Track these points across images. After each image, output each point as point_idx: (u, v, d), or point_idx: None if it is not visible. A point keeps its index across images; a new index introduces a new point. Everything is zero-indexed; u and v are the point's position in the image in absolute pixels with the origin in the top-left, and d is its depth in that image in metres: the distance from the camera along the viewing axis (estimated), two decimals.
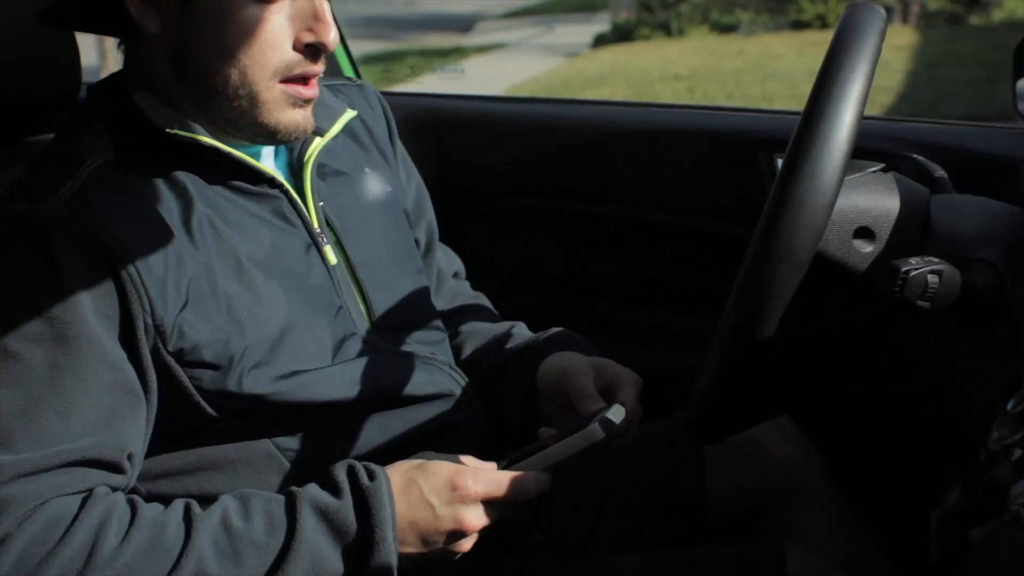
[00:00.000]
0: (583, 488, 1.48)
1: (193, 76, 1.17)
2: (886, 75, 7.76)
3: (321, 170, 1.31)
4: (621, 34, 11.42)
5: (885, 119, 1.80)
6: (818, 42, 9.87)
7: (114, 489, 1.11)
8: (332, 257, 1.27)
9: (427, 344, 1.35)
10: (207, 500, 1.14)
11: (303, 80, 1.19)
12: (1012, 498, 0.79)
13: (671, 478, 1.46)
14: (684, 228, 1.88)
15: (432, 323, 1.39)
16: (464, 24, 13.00)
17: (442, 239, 1.58)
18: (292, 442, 1.22)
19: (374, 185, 1.38)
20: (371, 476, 1.13)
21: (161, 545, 1.06)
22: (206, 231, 1.17)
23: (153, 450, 1.18)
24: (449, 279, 1.59)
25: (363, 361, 1.25)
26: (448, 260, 1.60)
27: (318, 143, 1.29)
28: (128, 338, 1.11)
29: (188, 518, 1.09)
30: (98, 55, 9.13)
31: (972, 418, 0.96)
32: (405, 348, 1.31)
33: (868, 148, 1.23)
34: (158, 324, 1.11)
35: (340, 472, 1.14)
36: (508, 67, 9.94)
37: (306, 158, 1.28)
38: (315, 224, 1.27)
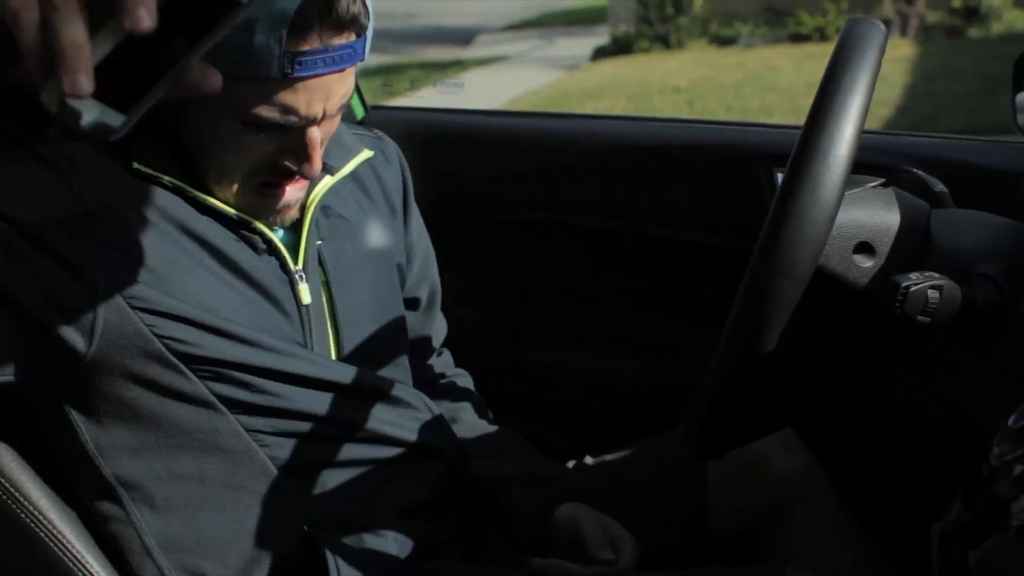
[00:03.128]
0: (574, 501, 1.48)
1: (182, 152, 1.20)
2: (884, 88, 7.78)
3: (325, 210, 1.32)
4: (620, 47, 11.44)
5: (884, 133, 1.80)
6: (817, 55, 9.90)
7: None
8: (306, 297, 1.28)
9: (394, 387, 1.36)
10: (173, 480, 1.15)
11: (275, 186, 1.22)
12: (1013, 514, 0.79)
13: (673, 493, 1.46)
14: (684, 242, 1.88)
15: (400, 374, 1.41)
16: (464, 37, 13.03)
17: (441, 253, 1.59)
18: (258, 423, 1.23)
19: (373, 234, 1.40)
20: None
21: None
22: (178, 235, 1.19)
23: (118, 425, 1.19)
24: (440, 349, 1.61)
25: (326, 394, 1.26)
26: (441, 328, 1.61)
27: (327, 182, 1.31)
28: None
29: None
30: None
31: (973, 433, 0.96)
32: (369, 385, 1.32)
33: (867, 162, 1.23)
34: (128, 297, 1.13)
35: None
36: (508, 80, 9.95)
37: (311, 197, 1.29)
38: (299, 263, 1.28)
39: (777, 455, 1.44)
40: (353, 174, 1.37)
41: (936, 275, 0.98)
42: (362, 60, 1.18)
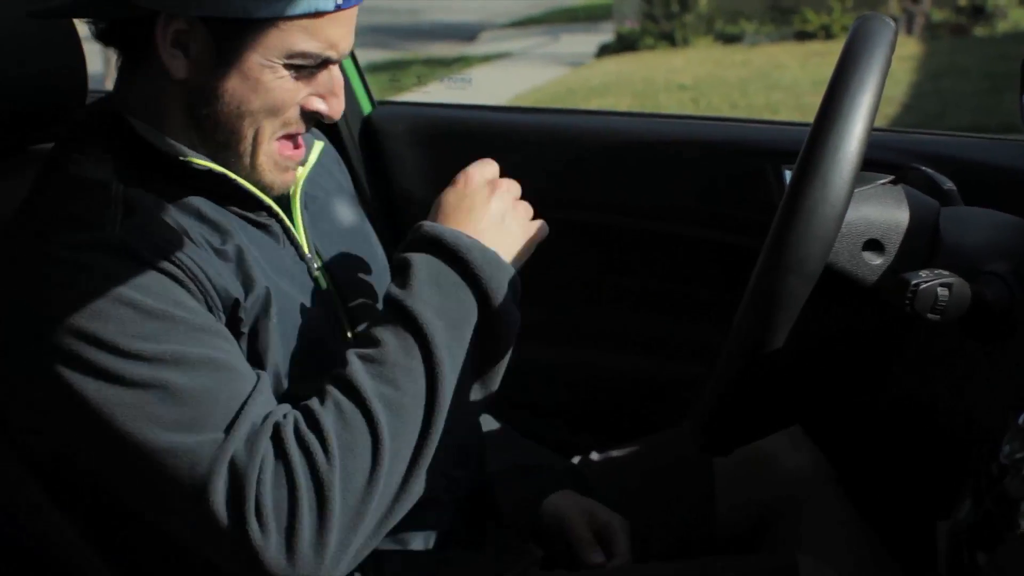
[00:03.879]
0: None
1: (208, 126, 1.19)
2: (890, 86, 7.74)
3: (304, 199, 1.33)
4: (625, 44, 11.43)
5: (892, 130, 1.80)
6: (822, 52, 9.89)
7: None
8: (323, 282, 1.30)
9: None
10: None
11: (293, 139, 1.23)
12: (1022, 512, 0.79)
13: (679, 490, 1.46)
14: (691, 239, 1.88)
15: None
16: (469, 33, 13.03)
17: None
18: None
19: (344, 211, 1.42)
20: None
21: (353, 428, 1.09)
22: (236, 252, 1.19)
23: None
24: None
25: None
26: None
27: (301, 172, 1.31)
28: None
29: (347, 392, 1.11)
30: (103, 63, 9.17)
31: (983, 431, 0.96)
32: None
33: (875, 159, 1.22)
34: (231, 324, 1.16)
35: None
36: (512, 76, 9.95)
37: (292, 189, 1.30)
38: (307, 251, 1.29)
39: (784, 452, 1.44)
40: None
41: (946, 273, 0.98)
42: None
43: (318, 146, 1.37)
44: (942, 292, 0.97)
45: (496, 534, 1.42)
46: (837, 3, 11.00)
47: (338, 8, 1.14)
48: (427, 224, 1.20)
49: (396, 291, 1.16)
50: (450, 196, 1.25)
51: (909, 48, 9.63)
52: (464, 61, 11.13)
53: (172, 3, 1.13)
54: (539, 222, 1.28)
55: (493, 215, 1.24)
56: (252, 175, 1.21)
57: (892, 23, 1.05)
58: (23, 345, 1.10)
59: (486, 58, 11.37)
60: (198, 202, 1.20)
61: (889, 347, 1.15)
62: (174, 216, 1.17)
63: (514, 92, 8.97)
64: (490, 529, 1.42)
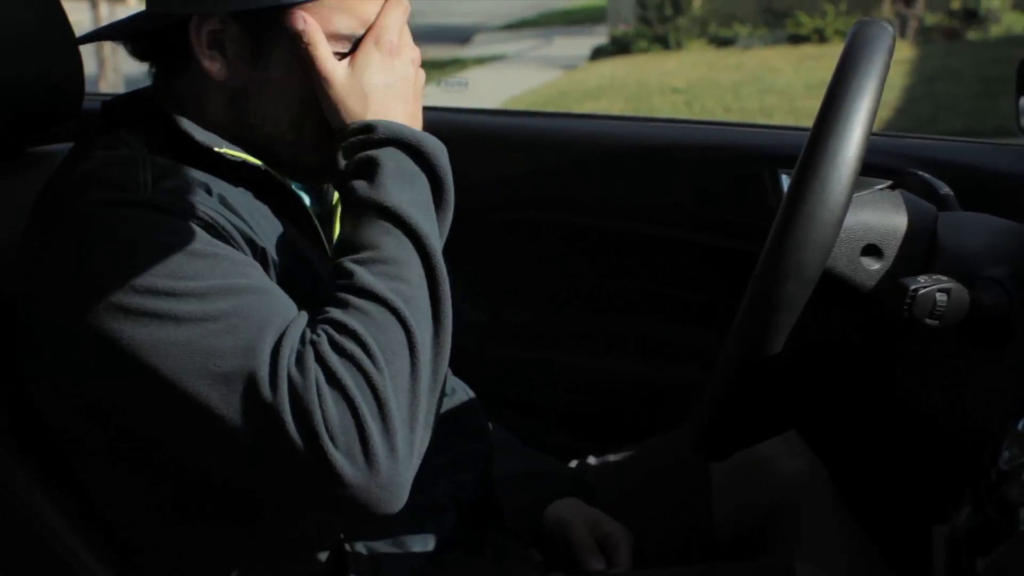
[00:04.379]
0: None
1: (249, 122, 1.19)
2: (884, 90, 7.77)
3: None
4: (619, 47, 11.44)
5: (889, 135, 1.80)
6: (816, 56, 9.91)
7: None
8: None
9: None
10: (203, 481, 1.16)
11: None
12: (1022, 518, 0.79)
13: (676, 494, 1.46)
14: (686, 242, 1.88)
15: None
16: (462, 36, 13.04)
17: (443, 252, 1.59)
18: None
19: None
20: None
21: (385, 326, 1.09)
22: (266, 229, 1.18)
23: None
24: None
25: None
26: None
27: None
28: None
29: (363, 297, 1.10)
30: (96, 64, 9.15)
31: (981, 437, 0.96)
32: None
33: (872, 164, 1.23)
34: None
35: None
36: (506, 79, 9.96)
37: (335, 199, 1.30)
38: (329, 253, 1.28)
39: (781, 457, 1.44)
40: None
41: (944, 278, 0.98)
42: None
43: None
44: (940, 297, 0.97)
45: (496, 539, 1.42)
46: (831, 7, 11.02)
47: None
48: (381, 123, 1.17)
49: (368, 191, 1.14)
50: (376, 77, 1.19)
51: (902, 52, 9.65)
52: (458, 63, 11.13)
53: (202, 4, 1.14)
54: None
55: (411, 85, 1.24)
56: (298, 158, 1.21)
57: (890, 28, 1.05)
58: (67, 305, 1.09)
59: (480, 60, 11.38)
60: (228, 189, 1.18)
61: (887, 352, 1.15)
62: (205, 182, 1.16)
63: (508, 94, 8.97)
64: (490, 534, 1.42)
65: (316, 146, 1.20)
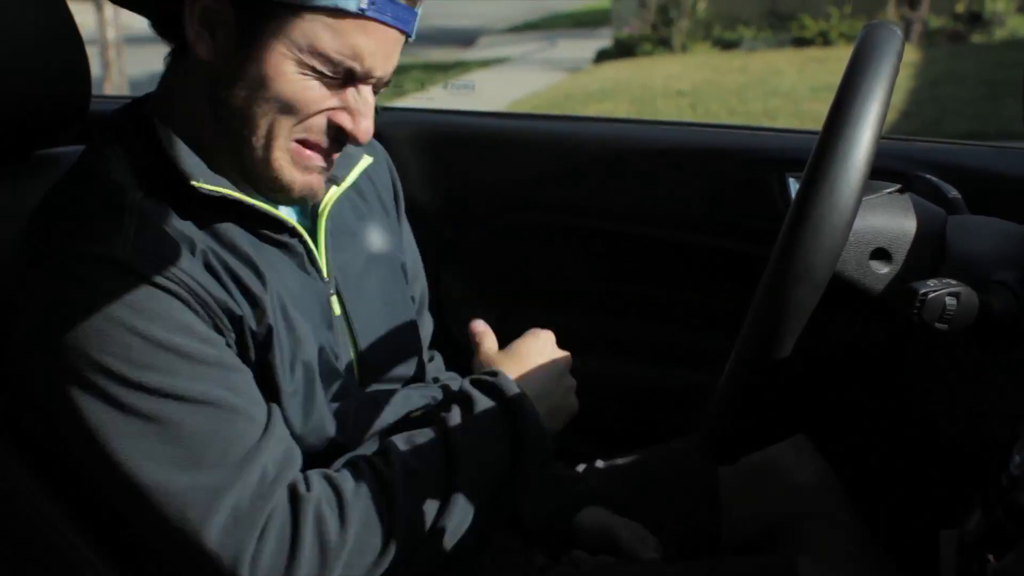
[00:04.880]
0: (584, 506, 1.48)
1: (226, 115, 1.17)
2: None
3: (332, 220, 1.32)
4: (623, 49, 11.45)
5: (896, 139, 1.80)
6: (820, 59, 9.91)
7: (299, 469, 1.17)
8: (336, 308, 1.29)
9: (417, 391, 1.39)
10: None
11: (316, 148, 1.20)
12: None
13: (684, 500, 1.46)
14: (693, 246, 1.88)
15: (421, 374, 1.44)
16: (467, 38, 13.04)
17: (449, 255, 1.59)
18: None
19: (375, 238, 1.40)
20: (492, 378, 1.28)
21: (376, 514, 1.14)
22: (248, 275, 1.18)
23: None
24: (431, 353, 1.61)
25: (351, 405, 1.29)
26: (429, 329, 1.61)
27: (334, 192, 1.30)
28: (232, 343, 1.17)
29: (373, 471, 1.17)
30: (101, 66, 9.15)
31: (991, 442, 0.95)
32: (392, 394, 1.35)
33: (880, 168, 1.23)
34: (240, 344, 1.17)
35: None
36: (511, 81, 9.96)
37: (321, 208, 1.29)
38: (327, 275, 1.28)
39: (789, 462, 1.44)
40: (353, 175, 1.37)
41: (953, 282, 0.98)
42: (411, 38, 1.20)
43: (363, 162, 1.36)
44: (950, 301, 0.97)
45: (498, 539, 1.42)
46: (835, 10, 11.02)
47: (361, 12, 1.11)
48: (503, 378, 1.28)
49: (449, 418, 1.22)
50: (530, 346, 1.36)
51: (907, 55, 9.61)
52: (462, 66, 11.14)
53: None
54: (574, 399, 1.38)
55: (552, 374, 1.34)
56: (268, 171, 1.18)
57: (899, 32, 1.04)
58: (36, 351, 1.11)
59: (484, 63, 11.38)
60: (217, 223, 1.18)
61: (896, 356, 1.14)
62: (188, 234, 1.16)
63: (512, 97, 8.97)
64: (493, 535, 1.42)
65: (268, 159, 1.18)
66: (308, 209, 1.29)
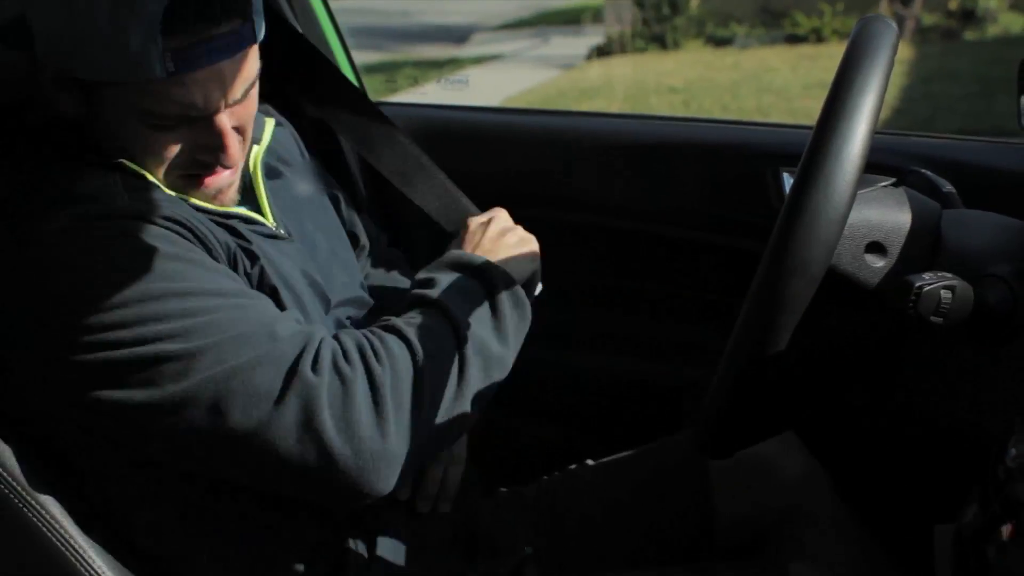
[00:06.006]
0: (576, 503, 1.48)
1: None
2: None
3: (266, 172, 1.38)
4: (616, 46, 11.44)
5: (890, 133, 1.80)
6: (813, 56, 9.91)
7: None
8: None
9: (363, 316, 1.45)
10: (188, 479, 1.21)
11: (199, 178, 1.23)
12: None
13: (677, 497, 1.45)
14: (687, 241, 1.88)
15: (365, 299, 1.48)
16: (459, 35, 13.01)
17: (444, 250, 1.59)
18: None
19: (300, 182, 1.46)
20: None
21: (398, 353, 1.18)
22: (216, 237, 1.20)
23: None
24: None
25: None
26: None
27: (257, 150, 1.36)
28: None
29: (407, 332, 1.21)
30: None
31: (986, 435, 0.95)
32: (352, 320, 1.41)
33: (874, 162, 1.23)
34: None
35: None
36: (503, 78, 9.95)
37: (252, 168, 1.34)
38: (270, 220, 1.33)
39: (781, 460, 1.44)
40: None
41: (949, 275, 0.98)
42: (255, 42, 1.19)
43: (270, 124, 1.41)
44: (945, 295, 0.97)
45: (487, 533, 1.42)
46: (828, 7, 11.02)
47: (171, 75, 1.11)
48: (454, 251, 1.37)
49: (425, 291, 1.27)
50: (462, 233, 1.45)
51: (899, 52, 9.63)
52: (455, 63, 11.12)
53: (39, 52, 1.16)
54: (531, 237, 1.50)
55: (491, 234, 1.44)
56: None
57: (894, 25, 1.04)
58: (42, 328, 1.10)
59: (477, 60, 11.36)
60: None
61: (891, 349, 1.14)
62: (168, 197, 1.19)
63: (505, 94, 8.96)
64: (481, 538, 1.43)
65: (186, 192, 1.23)
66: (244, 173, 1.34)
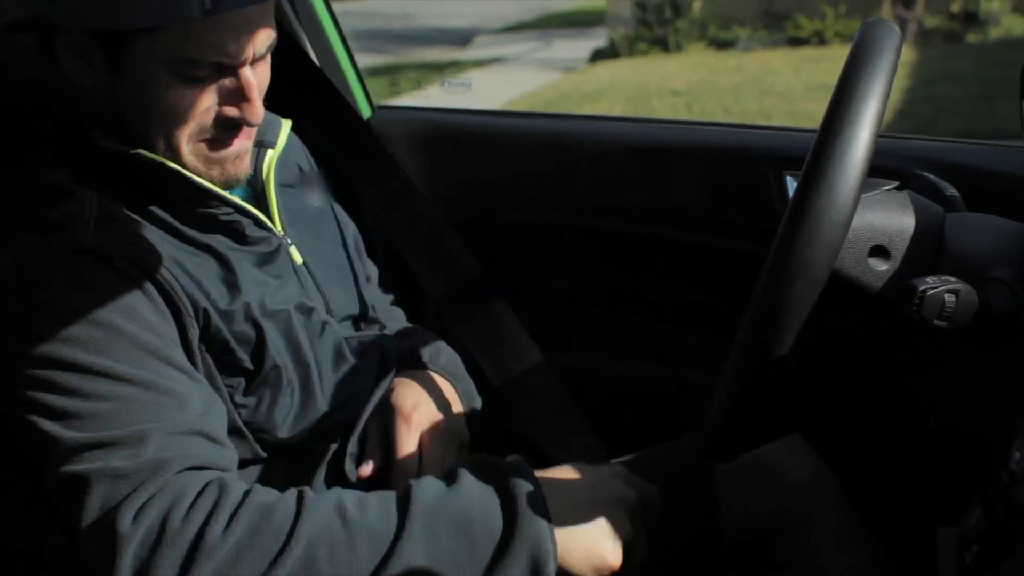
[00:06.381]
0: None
1: (129, 136, 1.21)
2: None
3: (279, 179, 1.38)
4: (618, 49, 11.45)
5: (893, 136, 1.80)
6: (815, 59, 9.91)
7: (223, 470, 1.12)
8: (298, 257, 1.35)
9: (370, 330, 1.45)
10: None
11: (220, 143, 1.23)
12: None
13: (682, 500, 1.45)
14: (689, 244, 1.88)
15: (371, 315, 1.48)
16: (462, 38, 13.03)
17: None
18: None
19: (312, 194, 1.47)
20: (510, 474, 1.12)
21: (269, 527, 1.05)
22: (204, 255, 1.22)
23: None
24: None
25: (327, 344, 1.32)
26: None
27: (272, 155, 1.36)
28: (187, 351, 1.17)
29: (300, 502, 1.08)
30: None
31: (990, 439, 0.95)
32: (358, 334, 1.41)
33: (877, 166, 1.23)
34: (206, 336, 1.18)
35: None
36: (505, 81, 9.95)
37: (265, 173, 1.35)
38: (279, 228, 1.33)
39: (785, 462, 1.44)
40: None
41: (952, 279, 0.98)
42: None
43: (286, 125, 1.41)
44: (949, 298, 0.97)
45: None
46: (830, 9, 11.02)
47: (208, 13, 1.11)
48: (520, 482, 1.10)
49: (426, 490, 1.10)
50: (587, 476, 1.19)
51: (902, 55, 9.64)
52: (457, 66, 11.13)
53: (59, 15, 1.15)
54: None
55: (604, 528, 1.14)
56: (188, 169, 1.22)
57: (897, 29, 1.05)
58: None
59: (480, 63, 11.37)
60: (166, 213, 1.21)
61: (895, 353, 1.14)
62: (146, 226, 1.19)
63: (508, 97, 8.97)
64: None
65: (181, 163, 1.21)
66: (255, 178, 1.35)
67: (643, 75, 9.99)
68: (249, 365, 1.22)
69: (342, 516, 1.07)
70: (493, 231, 1.99)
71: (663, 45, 11.41)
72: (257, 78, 1.21)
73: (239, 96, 1.20)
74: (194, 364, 1.17)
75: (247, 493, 1.08)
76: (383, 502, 1.10)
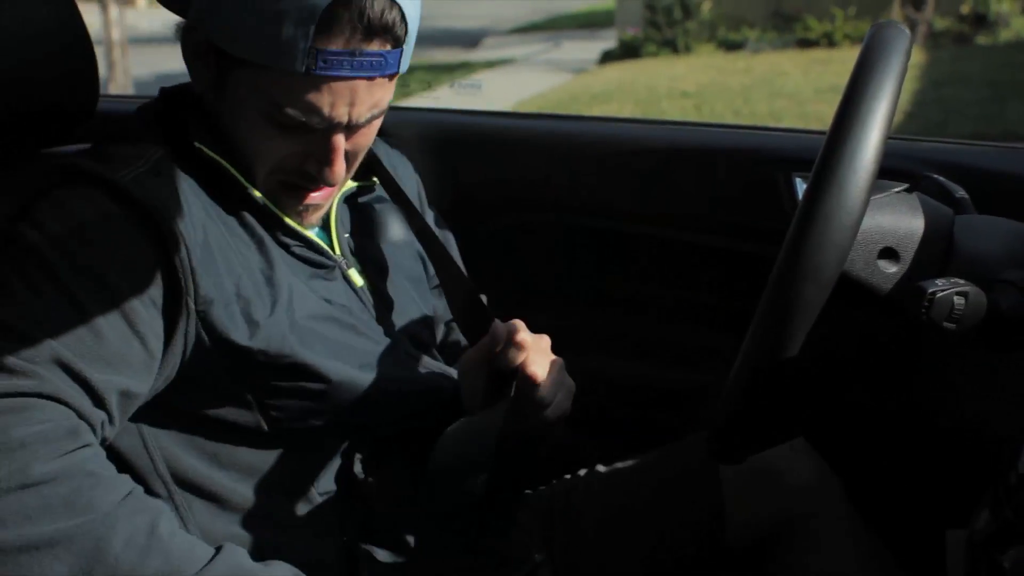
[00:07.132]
0: (587, 509, 1.48)
1: (220, 138, 1.22)
2: None
3: (349, 201, 1.38)
4: (628, 51, 11.45)
5: (902, 138, 1.79)
6: (824, 60, 9.91)
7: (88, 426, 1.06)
8: (358, 279, 1.33)
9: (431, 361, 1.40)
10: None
11: (294, 189, 1.23)
12: None
13: (687, 503, 1.45)
14: (698, 245, 1.88)
15: (432, 340, 1.46)
16: (471, 40, 13.04)
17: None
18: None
19: (395, 227, 1.44)
20: None
21: (81, 493, 0.99)
22: (248, 241, 1.21)
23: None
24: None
25: (379, 367, 1.28)
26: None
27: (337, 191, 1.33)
28: (169, 318, 1.12)
29: (127, 493, 1.03)
30: (107, 67, 9.16)
31: (999, 441, 0.95)
32: (421, 363, 1.37)
33: (886, 168, 1.23)
34: (200, 310, 1.13)
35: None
36: (515, 83, 9.96)
37: (329, 211, 1.33)
38: (337, 251, 1.32)
39: (792, 464, 1.44)
40: (374, 174, 1.42)
41: (961, 281, 0.98)
42: (396, 72, 1.18)
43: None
44: (958, 301, 0.97)
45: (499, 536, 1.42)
46: (840, 11, 11.02)
47: (309, 72, 1.11)
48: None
49: (236, 556, 1.07)
50: None
51: (912, 57, 9.62)
52: (467, 67, 11.14)
53: (193, 15, 1.18)
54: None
55: None
56: (261, 189, 1.23)
57: (907, 31, 1.05)
58: None
59: (489, 64, 11.38)
60: (220, 205, 1.21)
61: (904, 355, 1.14)
62: (192, 201, 1.17)
63: (517, 98, 8.98)
64: (491, 536, 1.43)
65: (256, 182, 1.22)
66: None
67: (652, 76, 9.99)
68: (282, 363, 1.19)
69: (152, 527, 1.02)
70: (503, 232, 1.99)
71: (672, 46, 11.41)
72: (353, 143, 1.21)
73: (323, 156, 1.20)
74: (170, 336, 1.12)
75: (88, 452, 1.02)
76: (195, 543, 1.05)
